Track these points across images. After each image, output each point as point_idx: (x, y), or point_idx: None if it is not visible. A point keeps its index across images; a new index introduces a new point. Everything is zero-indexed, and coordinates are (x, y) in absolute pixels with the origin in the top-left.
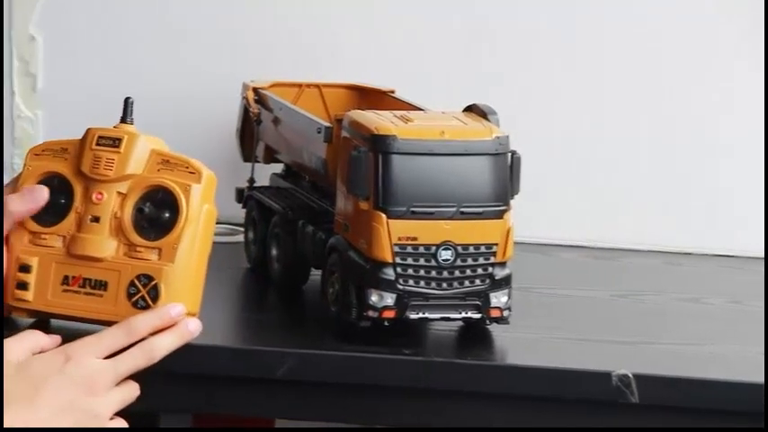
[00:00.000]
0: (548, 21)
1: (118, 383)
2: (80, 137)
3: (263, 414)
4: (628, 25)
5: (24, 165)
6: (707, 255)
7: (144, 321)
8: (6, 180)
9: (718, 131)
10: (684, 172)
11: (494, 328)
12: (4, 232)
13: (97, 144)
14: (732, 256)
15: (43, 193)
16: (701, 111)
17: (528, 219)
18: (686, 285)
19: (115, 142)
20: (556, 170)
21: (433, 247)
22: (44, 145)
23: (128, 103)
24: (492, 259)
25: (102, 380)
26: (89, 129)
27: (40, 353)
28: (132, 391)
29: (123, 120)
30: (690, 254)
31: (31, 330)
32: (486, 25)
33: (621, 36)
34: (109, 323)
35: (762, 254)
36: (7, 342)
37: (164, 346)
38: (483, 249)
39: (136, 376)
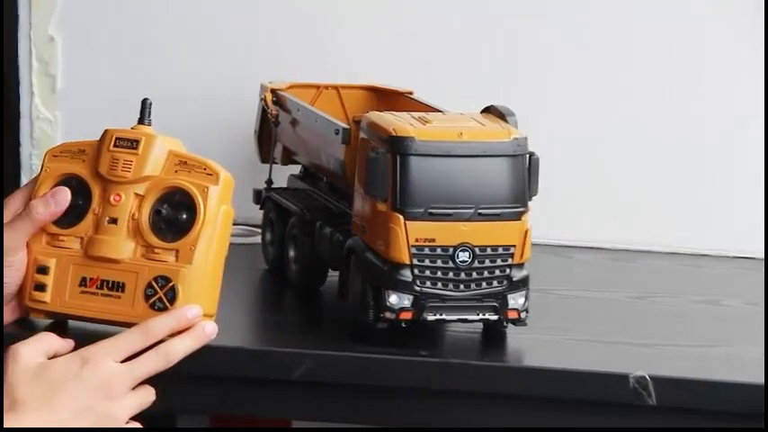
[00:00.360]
0: (566, 22)
1: (135, 387)
2: (98, 138)
3: (280, 415)
4: (644, 26)
5: (42, 166)
6: (724, 257)
7: (161, 324)
8: (24, 181)
9: (736, 133)
10: (702, 173)
11: (511, 330)
12: (28, 237)
13: (115, 145)
14: (750, 258)
15: (66, 196)
16: (719, 112)
17: (545, 220)
18: (703, 287)
19: (133, 144)
20: (573, 172)
21: (451, 249)
22: (62, 146)
23: (145, 105)
24: (510, 261)
25: (119, 384)
26: (107, 130)
27: (54, 356)
28: (149, 395)
29: (141, 121)
30: (707, 255)
31: (44, 333)
32: (504, 27)
33: (639, 37)
34: (126, 325)
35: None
36: (21, 345)
37: (180, 349)
38: (501, 251)
39: (153, 377)
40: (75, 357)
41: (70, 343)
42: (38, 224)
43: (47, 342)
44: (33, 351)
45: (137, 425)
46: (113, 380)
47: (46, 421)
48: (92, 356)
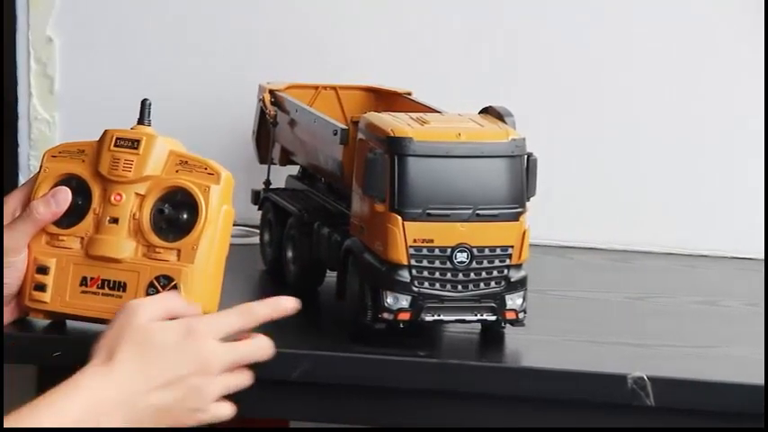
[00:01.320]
0: (565, 22)
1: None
2: (97, 138)
3: (278, 415)
4: (643, 26)
5: (41, 166)
6: (723, 257)
7: (262, 309)
8: (23, 181)
9: (736, 134)
10: (701, 174)
11: (509, 330)
12: (29, 238)
13: (115, 145)
14: (748, 259)
15: (67, 196)
16: (719, 112)
17: (544, 221)
18: (702, 288)
19: (134, 144)
20: (572, 172)
21: (449, 249)
22: (61, 147)
23: (145, 105)
24: (507, 261)
25: (216, 361)
26: (107, 130)
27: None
28: (244, 379)
29: (141, 121)
30: (705, 256)
31: (169, 295)
32: (503, 27)
33: (639, 37)
34: None
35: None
36: (140, 303)
37: (267, 346)
38: (498, 251)
39: None
40: (180, 326)
41: (196, 308)
42: (39, 224)
43: (169, 305)
44: (149, 311)
45: (228, 406)
46: (212, 357)
47: (135, 381)
48: (196, 329)
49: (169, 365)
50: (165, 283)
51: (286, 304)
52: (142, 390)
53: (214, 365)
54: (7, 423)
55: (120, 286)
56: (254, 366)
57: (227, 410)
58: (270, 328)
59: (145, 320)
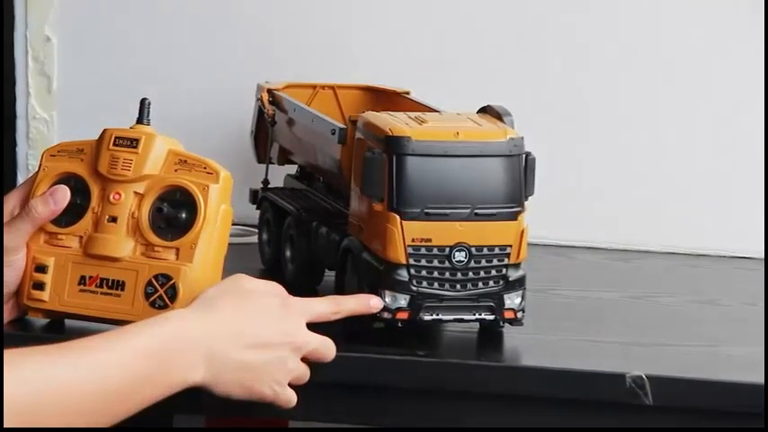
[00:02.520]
0: (564, 21)
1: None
2: (95, 138)
3: (276, 415)
4: (642, 26)
5: (40, 166)
6: (723, 256)
7: (349, 302)
8: (21, 181)
9: (736, 134)
10: (701, 173)
11: (507, 330)
12: (28, 236)
13: (114, 144)
14: (748, 258)
15: (65, 195)
16: (718, 112)
17: (543, 220)
18: (702, 287)
19: (133, 143)
20: (571, 172)
21: (447, 249)
22: (59, 146)
23: (144, 104)
24: (506, 261)
25: (302, 342)
26: (106, 129)
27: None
28: (307, 373)
29: (140, 121)
30: (706, 255)
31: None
32: (501, 26)
33: (638, 37)
34: (126, 323)
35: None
36: (246, 277)
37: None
38: (497, 251)
39: None
40: (279, 297)
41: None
42: (37, 223)
43: (278, 290)
44: (254, 280)
45: (293, 394)
46: (301, 335)
47: (227, 332)
48: (291, 304)
49: (264, 328)
50: (163, 281)
51: (372, 302)
52: (231, 342)
53: (300, 344)
54: (93, 340)
55: (119, 285)
56: None
57: (294, 397)
58: None
59: (248, 285)
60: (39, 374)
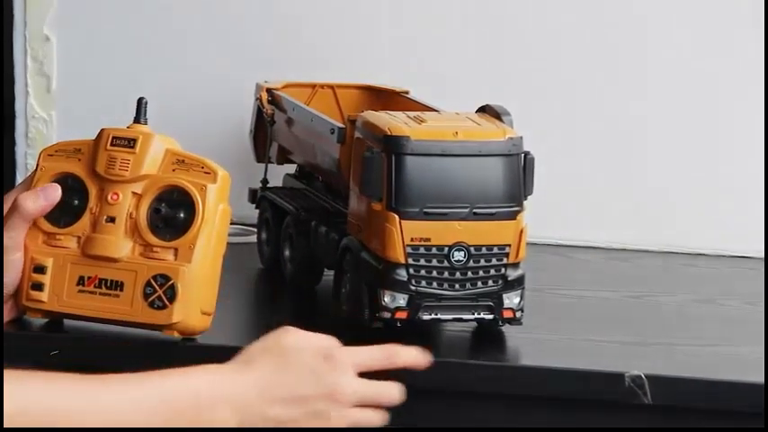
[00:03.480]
0: (564, 21)
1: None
2: (93, 137)
3: None
4: (642, 26)
5: (37, 165)
6: (722, 256)
7: (406, 354)
8: (20, 180)
9: (736, 133)
10: (700, 173)
11: (506, 329)
12: (23, 233)
13: (112, 144)
14: (747, 258)
15: (56, 191)
16: (718, 112)
17: (542, 220)
18: (701, 286)
19: (130, 142)
20: (570, 171)
21: (446, 248)
22: (57, 145)
23: (141, 104)
24: (505, 260)
25: (348, 393)
26: (103, 129)
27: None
28: (376, 418)
29: (137, 120)
30: (704, 255)
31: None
32: (501, 26)
33: (637, 37)
34: (124, 323)
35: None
36: (298, 330)
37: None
38: (496, 250)
39: None
40: (321, 351)
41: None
42: (27, 218)
43: (325, 344)
44: (300, 336)
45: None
46: (345, 386)
47: (257, 388)
48: (335, 356)
49: (298, 383)
50: (162, 282)
51: (422, 359)
52: (265, 399)
53: (345, 395)
54: (111, 381)
55: (118, 285)
56: None
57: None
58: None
59: (292, 341)
60: (67, 401)
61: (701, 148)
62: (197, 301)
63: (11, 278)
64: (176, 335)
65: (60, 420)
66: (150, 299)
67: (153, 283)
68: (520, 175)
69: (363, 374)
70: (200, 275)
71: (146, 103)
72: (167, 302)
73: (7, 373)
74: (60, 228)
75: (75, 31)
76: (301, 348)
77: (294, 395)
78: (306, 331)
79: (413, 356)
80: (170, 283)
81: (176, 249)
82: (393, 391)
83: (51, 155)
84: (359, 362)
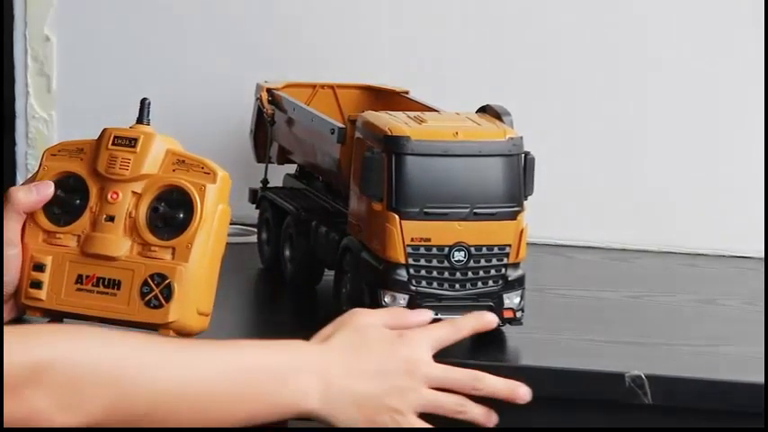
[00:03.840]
0: (564, 21)
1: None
2: (95, 137)
3: None
4: (642, 26)
5: (40, 164)
6: (721, 256)
7: (468, 322)
8: (20, 180)
9: (736, 133)
10: (700, 172)
11: (507, 329)
12: (19, 227)
13: (113, 144)
14: (747, 258)
15: (48, 188)
16: (717, 112)
17: (542, 220)
18: (701, 287)
19: (131, 142)
20: (570, 171)
21: (446, 248)
22: (60, 145)
23: (144, 104)
24: (505, 260)
25: (424, 370)
26: (105, 129)
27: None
28: (463, 406)
29: (140, 120)
30: (704, 255)
31: (399, 309)
32: (501, 26)
33: (637, 37)
34: (122, 322)
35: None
36: (368, 309)
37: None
38: (496, 250)
39: None
40: (393, 332)
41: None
42: (20, 210)
43: (395, 315)
44: (373, 315)
45: (423, 424)
46: (420, 363)
47: (337, 362)
48: (409, 334)
49: (376, 358)
50: (159, 281)
51: (488, 318)
52: (341, 371)
53: (420, 372)
54: (185, 342)
55: (115, 284)
56: None
57: (421, 426)
58: (267, 326)
59: (365, 319)
60: (140, 354)
61: (700, 148)
62: (194, 301)
63: (10, 275)
64: (172, 335)
65: (131, 373)
66: (147, 298)
67: (150, 282)
68: (520, 175)
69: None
70: (198, 275)
71: (149, 103)
72: (164, 302)
73: (77, 327)
74: (60, 226)
75: (75, 31)
76: (376, 325)
77: (375, 369)
78: (376, 310)
79: (475, 322)
80: (167, 282)
81: (174, 249)
82: (479, 378)
83: (54, 154)
84: (431, 340)
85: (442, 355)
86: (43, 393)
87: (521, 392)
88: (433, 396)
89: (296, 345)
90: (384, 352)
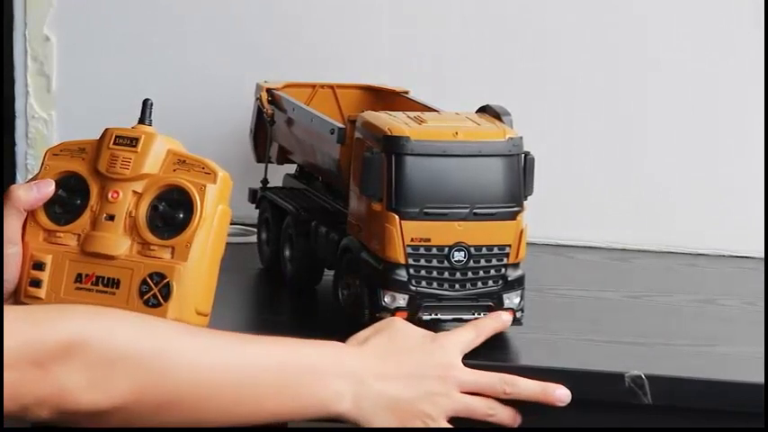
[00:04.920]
0: (564, 21)
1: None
2: (95, 137)
3: None
4: (642, 26)
5: (42, 164)
6: (722, 256)
7: (489, 323)
8: (20, 180)
9: (735, 133)
10: (700, 173)
11: (506, 329)
12: (19, 225)
13: (114, 143)
14: (747, 257)
15: (49, 186)
16: (717, 112)
17: (542, 220)
18: (701, 286)
19: (132, 142)
20: (569, 171)
21: (446, 249)
22: (62, 145)
23: (146, 105)
24: (505, 260)
25: (457, 375)
26: (107, 128)
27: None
28: (496, 411)
29: (142, 121)
30: (705, 255)
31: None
32: (501, 25)
33: (637, 37)
34: None
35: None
36: (402, 320)
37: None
38: (496, 250)
39: None
40: (428, 333)
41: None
42: (19, 208)
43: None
44: (408, 324)
45: (447, 427)
46: (453, 369)
47: (372, 364)
48: (441, 338)
49: (411, 361)
50: (157, 280)
51: (505, 318)
52: (375, 375)
53: (453, 377)
54: (216, 332)
55: (114, 283)
56: None
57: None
58: (267, 326)
59: (400, 324)
60: (170, 341)
61: (701, 148)
62: (192, 301)
63: (10, 273)
64: None
65: (172, 356)
66: (146, 297)
67: (149, 281)
68: (520, 175)
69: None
70: (197, 275)
71: (151, 104)
72: (162, 301)
73: (112, 309)
74: (61, 225)
75: (75, 31)
76: (410, 330)
77: (409, 373)
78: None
79: (494, 322)
80: (165, 281)
81: (173, 248)
82: (508, 382)
83: (57, 154)
84: (461, 343)
85: None
86: (74, 370)
87: (557, 395)
88: (464, 401)
89: (334, 346)
90: (418, 357)
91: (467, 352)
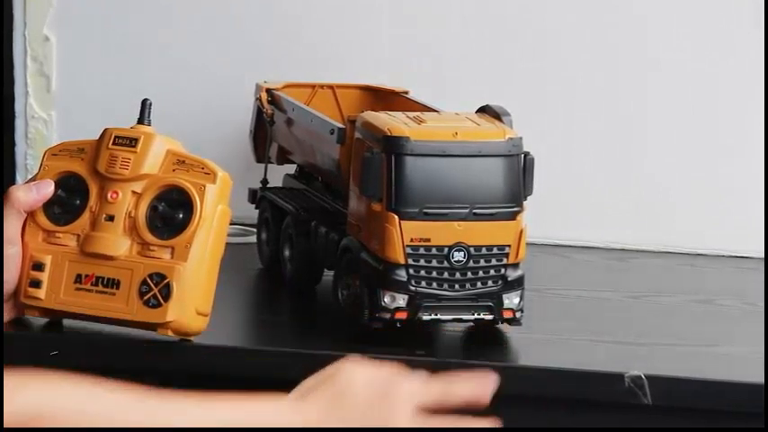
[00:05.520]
0: (564, 21)
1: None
2: (95, 137)
3: None
4: (642, 25)
5: (41, 164)
6: (721, 256)
7: (463, 388)
8: (20, 180)
9: (735, 133)
10: (699, 173)
11: (506, 329)
12: (19, 225)
13: (114, 143)
14: (746, 258)
15: (49, 186)
16: (717, 112)
17: (542, 220)
18: (700, 287)
19: (132, 142)
20: (569, 172)
21: (446, 249)
22: (61, 145)
23: (145, 105)
24: (504, 260)
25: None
26: (107, 129)
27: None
28: None
29: (141, 121)
30: (704, 255)
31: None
32: (500, 26)
33: (636, 37)
34: (120, 322)
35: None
36: (356, 363)
37: None
38: (495, 251)
39: None
40: (379, 389)
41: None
42: (20, 208)
43: (382, 378)
44: (358, 372)
45: None
46: (395, 422)
47: (318, 423)
48: (393, 394)
49: (352, 421)
50: (157, 280)
51: (490, 382)
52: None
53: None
54: (176, 401)
55: (114, 283)
56: (252, 366)
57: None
58: (267, 327)
59: (347, 376)
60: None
61: (701, 148)
62: (192, 301)
63: (10, 274)
64: (170, 334)
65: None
66: (145, 297)
67: (148, 281)
68: (520, 175)
69: None
70: (196, 275)
71: (150, 104)
72: (162, 301)
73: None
74: (60, 226)
75: (74, 31)
76: (357, 384)
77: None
78: (364, 363)
79: (470, 389)
80: (165, 281)
81: (173, 248)
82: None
83: (56, 154)
84: (418, 396)
85: (441, 356)
86: None
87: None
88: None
89: (268, 405)
90: (360, 414)
91: (425, 404)
